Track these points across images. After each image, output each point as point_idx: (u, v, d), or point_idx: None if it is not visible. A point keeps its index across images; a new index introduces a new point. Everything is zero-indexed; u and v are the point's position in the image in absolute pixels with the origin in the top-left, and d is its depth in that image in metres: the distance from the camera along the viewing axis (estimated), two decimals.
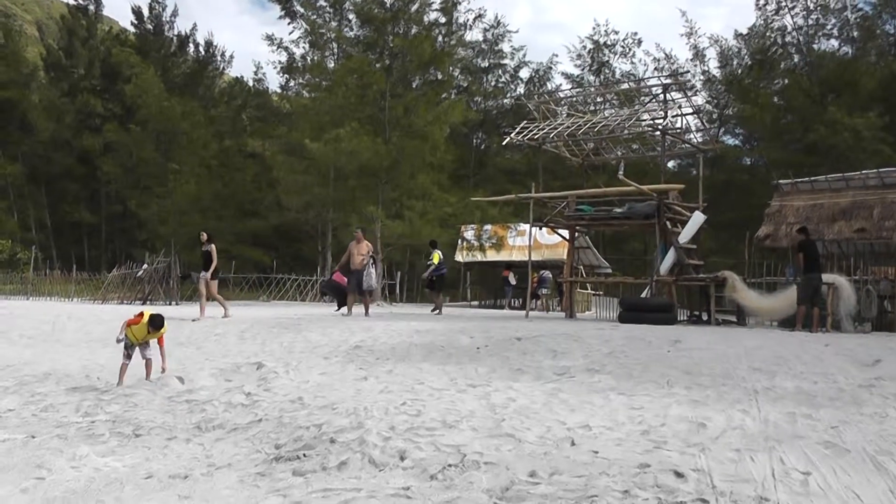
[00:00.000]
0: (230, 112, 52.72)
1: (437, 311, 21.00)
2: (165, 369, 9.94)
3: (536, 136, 21.44)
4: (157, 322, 9.81)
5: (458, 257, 38.71)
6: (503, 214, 36.28)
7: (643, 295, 20.09)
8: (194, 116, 45.22)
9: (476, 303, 37.90)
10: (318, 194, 37.13)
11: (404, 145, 34.67)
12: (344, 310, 19.00)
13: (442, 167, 37.89)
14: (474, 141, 54.20)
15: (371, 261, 18.62)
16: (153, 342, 9.95)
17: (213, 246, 18.09)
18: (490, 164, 52.81)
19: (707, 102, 45.94)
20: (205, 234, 18.56)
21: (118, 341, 9.82)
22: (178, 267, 32.60)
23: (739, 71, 45.54)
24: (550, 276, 33.00)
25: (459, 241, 38.11)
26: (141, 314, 9.88)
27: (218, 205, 44.03)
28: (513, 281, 35.00)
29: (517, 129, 22.37)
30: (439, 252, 21.86)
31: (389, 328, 14.28)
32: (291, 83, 48.31)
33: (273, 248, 47.67)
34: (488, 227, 36.95)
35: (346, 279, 18.95)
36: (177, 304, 30.59)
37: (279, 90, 54.14)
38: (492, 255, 37.50)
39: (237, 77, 59.91)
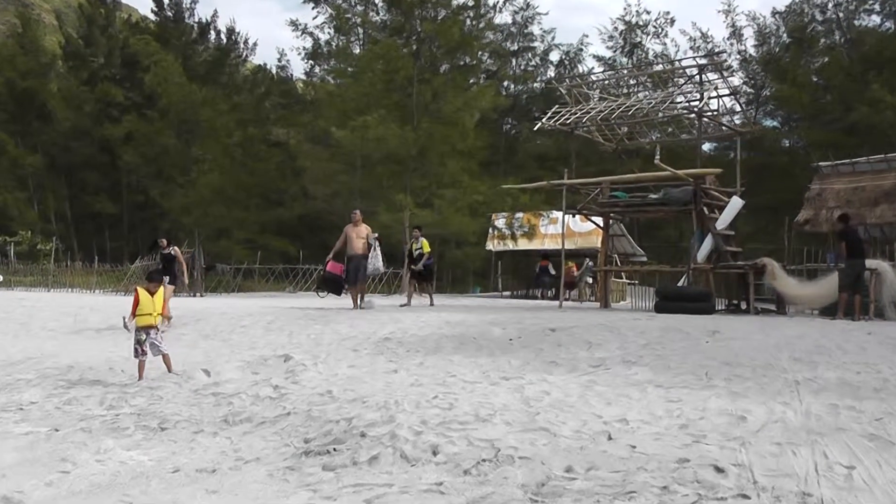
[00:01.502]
0: (253, 100, 52.88)
1: (430, 302, 20.48)
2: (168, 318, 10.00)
3: (568, 121, 21.35)
4: (155, 276, 9.92)
5: (489, 246, 38.68)
6: (535, 202, 36.14)
7: (680, 284, 19.97)
8: (216, 104, 45.39)
9: (507, 293, 37.84)
10: (345, 183, 37.22)
11: (433, 132, 34.61)
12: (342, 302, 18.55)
13: (471, 154, 37.81)
14: (504, 127, 54.05)
15: (375, 244, 18.08)
16: (161, 328, 9.93)
17: (175, 248, 17.45)
18: (521, 150, 52.65)
19: (744, 83, 45.49)
20: (164, 241, 17.67)
21: (127, 329, 9.87)
22: (203, 258, 32.82)
23: (777, 50, 44.99)
24: (591, 264, 32.88)
25: (490, 230, 38.06)
26: (136, 291, 9.90)
27: (242, 194, 44.24)
28: (552, 271, 34.94)
29: (548, 114, 22.28)
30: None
31: (419, 320, 14.30)
32: (316, 70, 48.44)
33: (298, 238, 47.84)
34: (520, 214, 36.85)
35: (341, 268, 18.35)
36: (201, 295, 30.86)
37: (304, 77, 54.33)
38: (523, 244, 37.40)
39: (260, 64, 60.15)
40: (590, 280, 32.54)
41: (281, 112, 53.69)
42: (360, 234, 18.00)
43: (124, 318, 9.92)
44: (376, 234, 18.53)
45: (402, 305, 19.68)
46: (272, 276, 39.00)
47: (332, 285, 18.77)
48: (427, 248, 20.21)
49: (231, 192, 43.18)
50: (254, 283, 39.29)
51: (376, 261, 17.96)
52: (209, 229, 43.12)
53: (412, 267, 20.28)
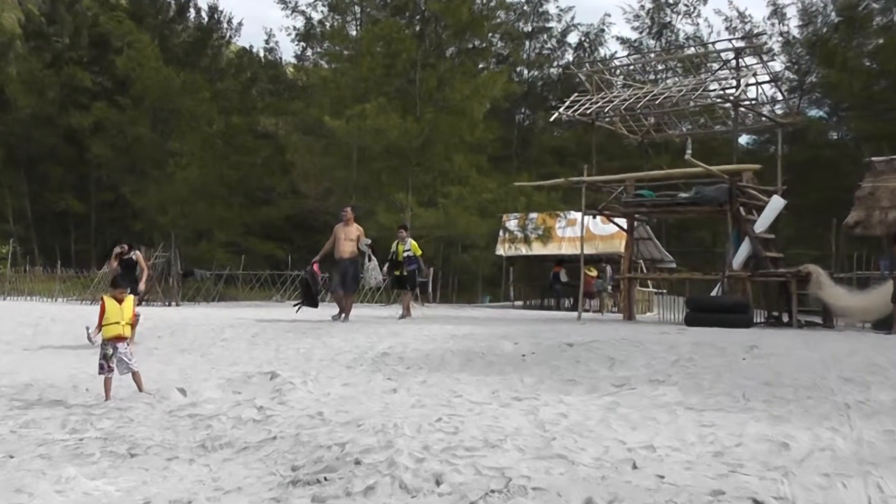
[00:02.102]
0: (238, 86, 53.02)
1: (404, 314, 20.03)
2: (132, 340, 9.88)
3: (588, 111, 21.33)
4: (120, 282, 9.88)
5: (500, 250, 38.67)
6: (551, 201, 36.16)
7: (713, 293, 19.92)
8: (197, 91, 45.49)
9: (520, 303, 37.82)
10: (340, 179, 37.28)
11: (438, 122, 34.66)
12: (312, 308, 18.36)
13: (481, 147, 37.84)
14: (517, 117, 54.07)
15: (368, 253, 17.84)
16: (130, 344, 9.88)
17: (138, 253, 16.50)
18: (535, 143, 52.67)
19: (786, 68, 45.36)
20: (124, 245, 16.47)
21: (92, 342, 9.81)
22: (179, 263, 32.84)
23: (824, 30, 44.75)
24: (609, 270, 32.87)
25: (501, 232, 38.06)
26: (102, 300, 9.82)
27: (225, 191, 44.34)
28: (564, 278, 34.88)
29: (566, 103, 22.25)
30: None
31: (421, 333, 14.27)
32: (308, 52, 48.61)
33: (287, 241, 47.93)
34: (534, 215, 36.86)
35: (319, 272, 18.22)
36: (177, 304, 30.87)
37: (294, 61, 54.55)
38: (538, 248, 37.39)
39: (246, 47, 60.32)
40: (609, 288, 32.53)
41: (269, 100, 53.81)
42: (349, 236, 17.76)
43: (88, 330, 9.86)
44: (369, 241, 18.23)
45: (400, 318, 19.51)
46: (257, 283, 38.99)
47: (308, 293, 18.46)
48: (417, 251, 19.78)
49: (212, 188, 43.29)
50: (237, 291, 39.28)
51: (375, 273, 17.94)
52: (187, 230, 43.19)
53: (395, 273, 19.64)
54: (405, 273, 19.56)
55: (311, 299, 18.44)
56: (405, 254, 19.45)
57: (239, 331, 15.38)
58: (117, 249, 16.25)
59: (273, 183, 46.52)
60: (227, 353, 13.22)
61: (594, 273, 32.24)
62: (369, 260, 17.81)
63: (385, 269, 19.31)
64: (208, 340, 14.45)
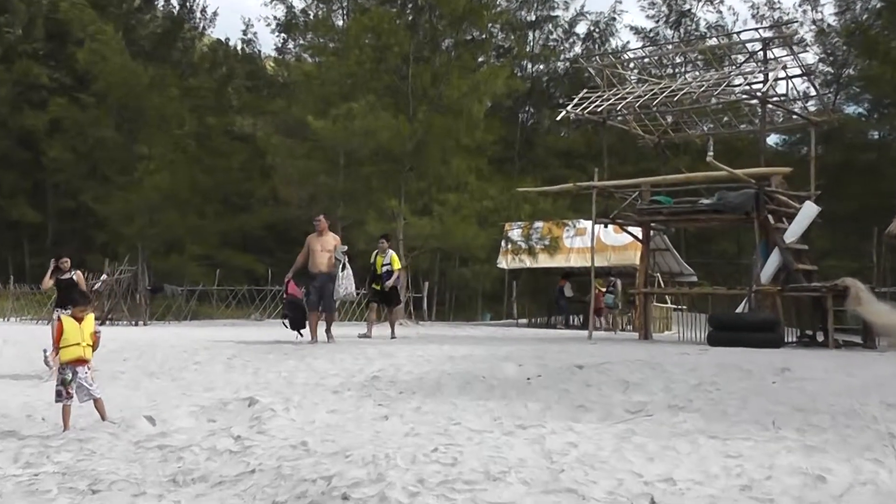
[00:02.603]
0: (212, 83, 53.03)
1: (392, 334, 19.85)
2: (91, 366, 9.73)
3: (599, 109, 21.35)
4: (79, 299, 9.82)
5: (502, 263, 38.67)
6: (558, 208, 36.15)
7: (739, 310, 19.90)
8: (166, 88, 45.40)
9: (524, 321, 37.82)
10: (325, 185, 37.25)
11: (433, 123, 34.63)
12: (304, 333, 17.76)
13: (480, 150, 37.81)
14: (521, 116, 54.20)
15: (343, 261, 17.50)
16: (93, 369, 9.81)
17: (79, 273, 15.93)
18: (540, 144, 52.78)
19: (820, 60, 45.34)
20: (67, 260, 15.75)
21: (49, 367, 9.70)
22: (147, 278, 32.81)
23: (864, 17, 44.47)
24: (619, 284, 32.88)
25: (503, 243, 38.06)
26: (59, 321, 9.74)
27: (198, 199, 44.32)
28: (568, 293, 34.88)
29: (574, 101, 22.28)
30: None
31: (415, 354, 14.25)
32: (290, 45, 48.77)
33: (267, 253, 47.91)
34: (539, 224, 36.86)
35: (297, 289, 17.84)
36: (145, 324, 30.84)
37: (275, 54, 54.61)
38: (544, 261, 37.37)
39: (221, 39, 60.38)
40: (610, 303, 32.54)
41: (246, 98, 53.88)
42: (325, 246, 17.56)
43: (45, 353, 9.78)
44: (345, 248, 18.04)
45: (361, 336, 19.32)
46: (234, 299, 38.99)
47: (292, 309, 18.01)
48: (397, 265, 19.68)
49: (184, 195, 43.22)
50: (211, 309, 39.29)
51: (348, 282, 17.48)
52: (156, 242, 43.16)
53: (374, 286, 19.53)
54: (386, 288, 19.42)
55: (300, 316, 17.94)
56: (384, 267, 19.32)
57: (214, 352, 15.35)
58: (53, 265, 15.64)
59: (251, 189, 46.53)
60: (201, 377, 13.19)
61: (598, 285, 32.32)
62: (342, 269, 17.44)
63: (367, 282, 19.30)
64: (180, 363, 14.42)
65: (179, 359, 14.88)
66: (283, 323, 18.60)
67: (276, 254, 48.15)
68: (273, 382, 12.40)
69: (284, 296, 18.65)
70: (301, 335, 17.66)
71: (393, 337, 19.47)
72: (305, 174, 37.48)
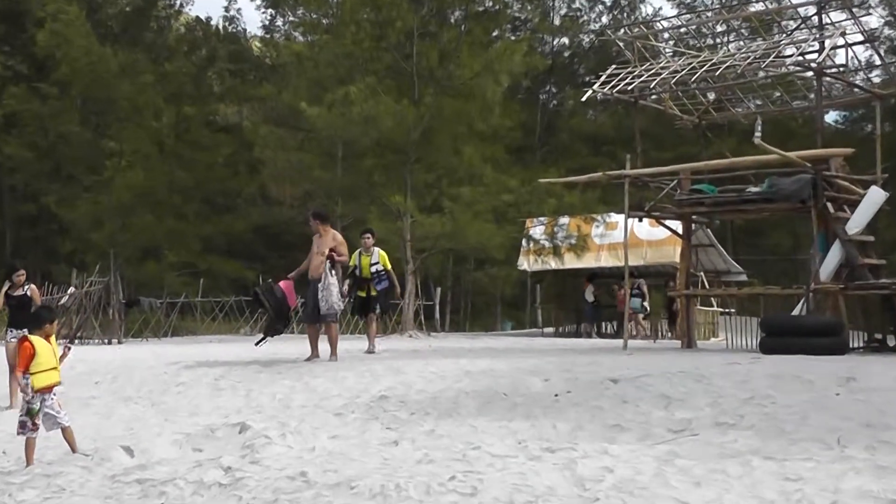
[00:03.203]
0: (191, 67, 53.04)
1: (371, 347, 19.47)
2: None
3: (630, 87, 21.32)
4: (44, 314, 9.77)
5: (524, 264, 38.64)
6: (586, 202, 36.07)
7: (796, 312, 19.85)
8: (139, 75, 45.39)
9: (550, 330, 37.81)
10: (321, 180, 37.30)
11: (442, 107, 34.63)
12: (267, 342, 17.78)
13: (497, 137, 37.85)
14: (541, 97, 54.16)
15: (329, 266, 16.72)
16: (60, 396, 9.76)
17: (33, 287, 15.55)
18: (565, 129, 52.78)
19: (886, 24, 45.08)
20: (22, 273, 15.47)
21: (27, 403, 9.49)
22: (121, 290, 32.81)
23: None
24: (644, 286, 32.81)
25: (524, 242, 38.03)
26: (25, 340, 9.61)
27: (177, 199, 44.33)
28: (589, 297, 34.89)
29: (602, 78, 22.25)
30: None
31: (427, 369, 14.24)
32: (279, 22, 48.78)
33: (257, 259, 48.01)
34: (565, 220, 36.80)
35: (293, 293, 17.46)
36: (119, 342, 30.87)
37: (261, 33, 54.65)
38: (571, 261, 37.32)
39: (201, 17, 60.46)
40: (646, 307, 32.49)
41: (230, 83, 53.97)
42: (321, 248, 17.06)
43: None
44: (333, 246, 17.41)
45: (367, 352, 18.91)
46: (220, 312, 39.05)
47: (274, 315, 17.52)
48: (387, 265, 19.12)
49: (161, 195, 43.26)
50: (195, 324, 39.36)
51: (329, 294, 16.63)
52: (130, 249, 43.17)
53: (360, 293, 18.91)
54: (373, 293, 18.91)
55: (276, 322, 17.63)
56: (372, 268, 18.81)
57: (199, 373, 15.36)
58: (6, 284, 15.32)
59: (237, 187, 46.59)
60: (185, 400, 13.20)
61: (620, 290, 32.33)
62: (329, 277, 16.72)
63: (345, 287, 18.03)
64: (160, 386, 14.43)
65: (159, 381, 14.90)
66: (269, 336, 18.39)
67: (268, 260, 48.27)
68: (267, 405, 12.40)
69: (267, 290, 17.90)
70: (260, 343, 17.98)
71: (370, 351, 19.08)
72: (298, 169, 37.52)
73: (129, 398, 13.64)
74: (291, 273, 17.90)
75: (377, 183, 35.52)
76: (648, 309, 32.94)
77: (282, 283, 17.47)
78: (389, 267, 19.27)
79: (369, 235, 19.40)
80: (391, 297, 20.42)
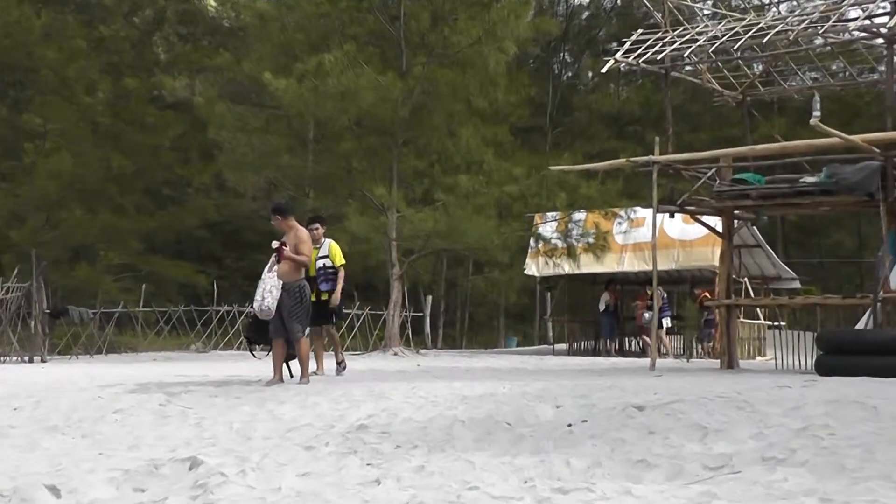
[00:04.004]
0: (133, 31, 53.02)
1: (342, 366, 19.40)
2: None
3: (660, 56, 21.34)
4: None
5: (531, 269, 38.66)
6: (606, 193, 36.15)
7: (861, 325, 19.87)
8: (68, 40, 45.33)
9: (563, 346, 37.87)
10: (289, 168, 37.33)
11: (435, 80, 34.66)
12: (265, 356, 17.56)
13: (500, 116, 37.86)
14: (554, 68, 54.24)
15: (274, 259, 16.41)
16: None
17: None
18: (581, 107, 52.90)
19: None
20: None
21: None
22: (45, 298, 32.76)
23: None
24: (665, 295, 32.89)
25: (532, 242, 38.05)
26: None
27: (114, 189, 44.28)
28: (602, 305, 34.95)
29: (626, 46, 22.27)
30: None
31: (416, 394, 14.25)
32: None
33: (212, 261, 48.02)
34: (581, 215, 36.84)
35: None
36: (43, 360, 30.84)
37: None
38: (589, 264, 37.35)
39: None
40: (666, 323, 32.56)
41: (180, 50, 53.91)
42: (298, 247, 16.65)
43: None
44: (294, 244, 17.19)
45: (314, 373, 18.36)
46: (167, 324, 39.04)
47: (263, 333, 17.33)
48: (339, 260, 18.67)
49: (94, 185, 43.19)
50: (136, 338, 39.35)
51: (261, 296, 16.26)
52: (57, 249, 43.10)
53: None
54: (321, 297, 18.42)
55: (262, 334, 17.43)
56: (319, 262, 18.41)
57: (141, 397, 15.35)
58: None
59: (188, 175, 46.57)
60: (124, 431, 13.18)
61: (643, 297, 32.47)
62: (268, 271, 16.38)
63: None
64: (94, 413, 14.41)
65: (93, 406, 14.87)
66: (250, 350, 18.43)
67: (224, 262, 48.35)
68: (223, 436, 12.39)
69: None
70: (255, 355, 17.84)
71: (307, 378, 18.27)
72: (262, 153, 37.48)
73: (56, 427, 13.61)
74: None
75: (357, 171, 35.58)
76: (668, 324, 32.94)
77: None
78: (341, 262, 18.77)
79: (318, 225, 18.90)
80: (336, 302, 19.13)
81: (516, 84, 38.23)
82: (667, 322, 32.25)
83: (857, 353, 17.02)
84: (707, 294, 31.85)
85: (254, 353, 18.56)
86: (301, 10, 36.34)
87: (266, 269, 16.41)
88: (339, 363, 19.54)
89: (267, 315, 16.29)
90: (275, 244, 16.54)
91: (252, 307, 17.35)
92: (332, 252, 18.62)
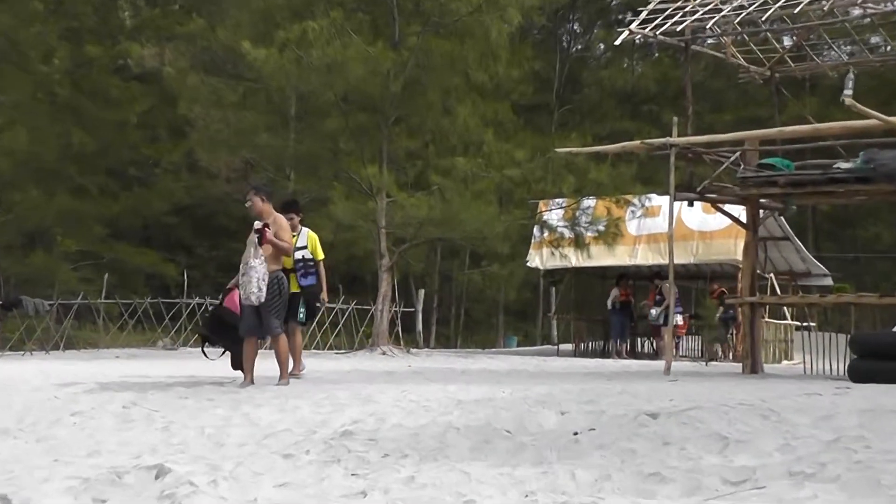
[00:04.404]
0: None
1: (299, 369, 18.81)
2: None
3: (680, 27, 21.34)
4: None
5: (534, 261, 38.64)
6: (618, 179, 36.17)
7: None
8: (24, 4, 45.24)
9: (568, 347, 37.89)
10: (268, 147, 37.28)
11: (430, 52, 34.63)
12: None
13: (502, 92, 37.86)
14: (562, 41, 54.26)
15: (257, 241, 16.29)
16: None
17: None
18: (591, 83, 52.92)
19: None
20: None
21: None
22: None
23: None
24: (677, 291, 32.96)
25: (536, 231, 38.04)
26: None
27: (73, 169, 44.25)
28: (612, 302, 34.99)
29: (642, 16, 22.27)
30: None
31: (406, 397, 14.27)
32: None
33: (181, 249, 48.03)
34: (590, 202, 36.84)
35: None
36: None
37: None
38: (599, 256, 37.34)
39: None
40: (653, 315, 32.63)
41: (148, 15, 53.86)
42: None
43: None
44: (275, 231, 17.11)
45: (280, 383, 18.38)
46: (132, 318, 39.02)
47: (219, 332, 17.59)
48: (319, 253, 18.62)
49: (51, 164, 43.16)
50: (97, 333, 39.34)
51: (248, 280, 16.15)
52: (9, 234, 43.14)
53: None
54: (294, 289, 17.98)
55: (231, 341, 17.48)
56: (297, 254, 18.14)
57: (102, 398, 15.35)
58: None
59: (156, 154, 46.55)
60: (83, 435, 13.18)
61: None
62: (255, 256, 16.27)
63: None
64: (49, 415, 14.42)
65: (48, 408, 14.88)
66: (204, 352, 18.41)
67: (195, 250, 48.37)
68: (193, 442, 12.38)
69: (216, 309, 18.12)
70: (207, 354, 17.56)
71: (295, 374, 18.29)
72: (238, 131, 37.46)
73: (7, 431, 13.61)
74: (230, 282, 17.71)
75: (343, 151, 35.58)
76: (682, 321, 32.97)
77: (228, 299, 17.40)
78: (321, 256, 18.74)
79: (293, 215, 18.58)
80: (318, 300, 19.24)
81: (520, 57, 38.26)
82: (678, 320, 32.27)
83: (894, 359, 17.04)
84: (724, 290, 31.93)
85: (206, 352, 18.42)
86: None
87: (252, 255, 16.22)
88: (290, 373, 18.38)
89: (255, 301, 16.20)
90: (258, 224, 16.47)
91: (241, 299, 17.13)
92: (312, 243, 18.57)
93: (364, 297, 36.15)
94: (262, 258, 16.31)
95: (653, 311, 32.88)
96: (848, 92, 18.21)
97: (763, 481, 9.36)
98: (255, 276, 16.14)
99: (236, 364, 17.52)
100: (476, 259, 43.32)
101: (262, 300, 16.24)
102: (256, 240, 16.32)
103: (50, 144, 42.95)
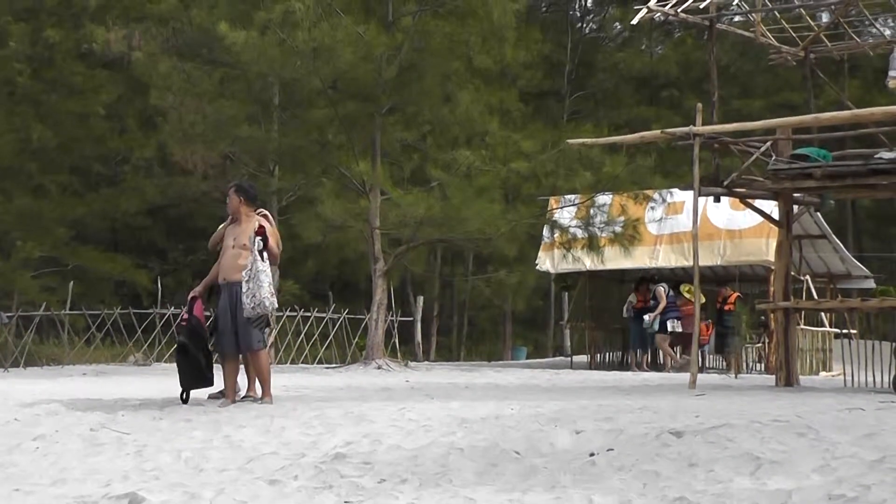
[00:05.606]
0: None
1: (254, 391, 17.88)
2: None
3: (704, 4, 21.36)
4: None
5: (544, 264, 38.62)
6: (636, 172, 36.11)
7: None
8: None
9: (584, 359, 37.92)
10: (249, 140, 37.27)
11: (428, 33, 34.60)
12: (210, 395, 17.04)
13: (508, 77, 37.85)
14: (573, 21, 54.33)
15: (260, 244, 16.17)
16: None
17: None
18: (606, 67, 52.94)
19: None
20: None
21: None
22: None
23: None
24: (665, 292, 33.01)
25: (546, 231, 38.02)
26: None
27: (33, 166, 44.23)
28: (626, 309, 35.02)
29: None
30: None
31: (404, 416, 14.27)
32: None
33: (153, 253, 48.05)
34: (606, 198, 36.81)
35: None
36: None
37: None
38: (615, 259, 37.29)
39: None
40: (671, 326, 32.67)
41: None
42: (239, 241, 16.65)
43: None
44: (263, 218, 16.95)
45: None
46: (100, 331, 39.02)
47: (190, 364, 16.96)
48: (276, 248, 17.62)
49: (8, 161, 43.17)
50: (60, 348, 39.32)
51: (258, 286, 15.97)
52: None
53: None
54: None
55: (196, 374, 17.02)
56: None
57: (67, 420, 15.35)
58: None
59: (125, 149, 46.55)
60: (46, 462, 13.20)
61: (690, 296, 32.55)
62: (260, 259, 16.17)
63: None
64: (9, 440, 14.43)
65: (7, 431, 14.89)
66: (181, 395, 18.17)
67: (169, 254, 48.38)
68: (168, 468, 12.39)
69: (183, 320, 17.51)
70: (184, 399, 16.86)
71: (269, 397, 17.33)
72: (215, 122, 37.46)
73: None
74: (196, 287, 17.61)
75: (332, 144, 35.55)
76: (673, 326, 33.01)
77: (196, 309, 17.08)
78: (278, 250, 17.78)
79: (267, 212, 18.28)
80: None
81: (527, 39, 38.29)
82: (671, 325, 32.34)
83: None
84: (738, 295, 32.04)
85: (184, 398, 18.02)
86: None
87: (259, 260, 16.11)
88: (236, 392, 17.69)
89: (270, 308, 16.40)
90: (257, 224, 16.41)
91: (228, 310, 16.94)
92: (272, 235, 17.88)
93: (357, 305, 36.30)
94: (268, 261, 16.33)
95: (646, 318, 32.91)
96: (893, 73, 18.25)
97: None
98: (267, 281, 16.11)
99: (186, 386, 16.93)
100: (480, 264, 43.35)
101: (276, 306, 16.33)
102: (261, 242, 16.27)
103: (6, 139, 42.99)
